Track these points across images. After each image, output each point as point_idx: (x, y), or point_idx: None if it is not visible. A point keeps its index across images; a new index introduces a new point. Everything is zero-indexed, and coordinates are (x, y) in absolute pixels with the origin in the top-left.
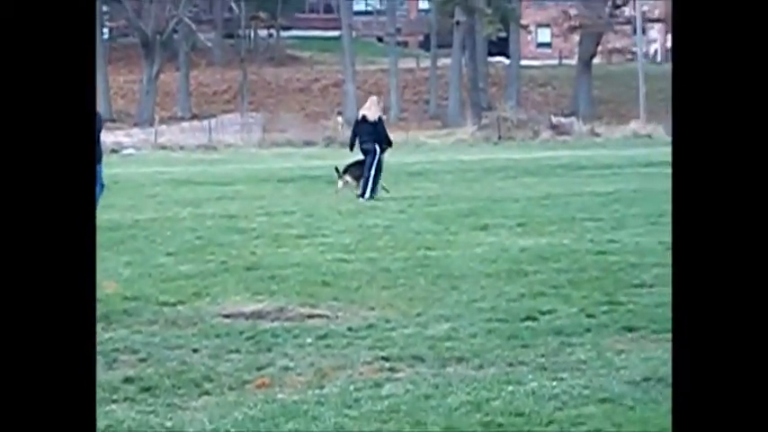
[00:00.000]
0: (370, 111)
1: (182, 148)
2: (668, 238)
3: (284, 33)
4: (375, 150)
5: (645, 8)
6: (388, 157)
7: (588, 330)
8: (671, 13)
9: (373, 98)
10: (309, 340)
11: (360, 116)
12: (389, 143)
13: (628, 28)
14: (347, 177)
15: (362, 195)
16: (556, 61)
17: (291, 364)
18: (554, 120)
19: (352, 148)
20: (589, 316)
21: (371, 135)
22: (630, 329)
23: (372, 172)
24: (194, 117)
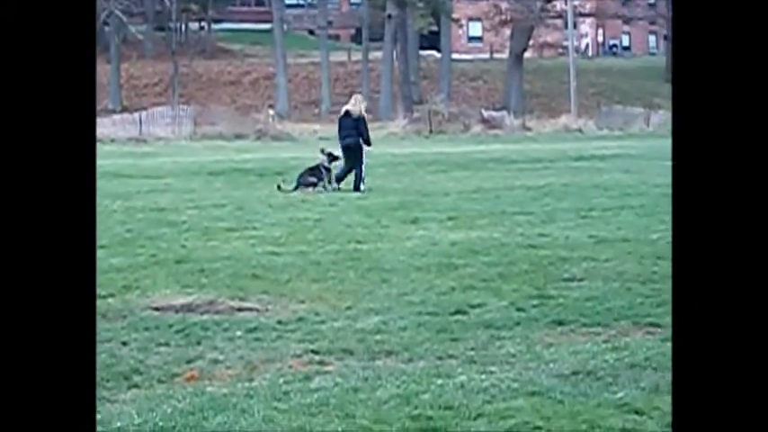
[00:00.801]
0: (354, 107)
1: (112, 140)
2: (598, 232)
3: (215, 26)
4: (358, 145)
5: (576, 2)
6: (314, 153)
7: (518, 324)
8: (670, 9)
9: (358, 96)
10: (239, 333)
11: (343, 111)
12: (369, 143)
13: (559, 22)
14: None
15: (357, 189)
16: (487, 55)
17: (221, 357)
18: (485, 114)
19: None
20: (519, 309)
21: (353, 130)
22: (560, 323)
23: (363, 166)
24: (125, 110)
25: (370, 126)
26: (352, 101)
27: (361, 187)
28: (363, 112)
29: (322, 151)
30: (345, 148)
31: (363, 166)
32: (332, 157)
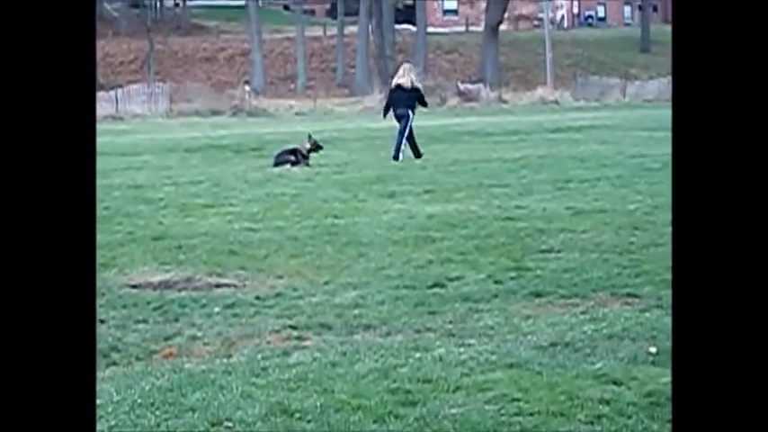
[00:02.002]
0: (404, 78)
1: None
2: (575, 203)
3: (190, 3)
4: (408, 116)
5: None
6: (291, 128)
7: (496, 296)
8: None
9: (406, 66)
10: (217, 309)
11: (394, 84)
12: (424, 104)
13: None
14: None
15: (396, 158)
16: (462, 28)
17: (199, 334)
18: (461, 87)
19: (385, 115)
20: (497, 282)
21: (405, 101)
22: (538, 295)
23: (404, 136)
24: (101, 87)
25: (345, 101)
26: (401, 72)
27: (399, 156)
28: (416, 83)
29: (310, 137)
30: (398, 119)
31: (405, 136)
32: (316, 146)
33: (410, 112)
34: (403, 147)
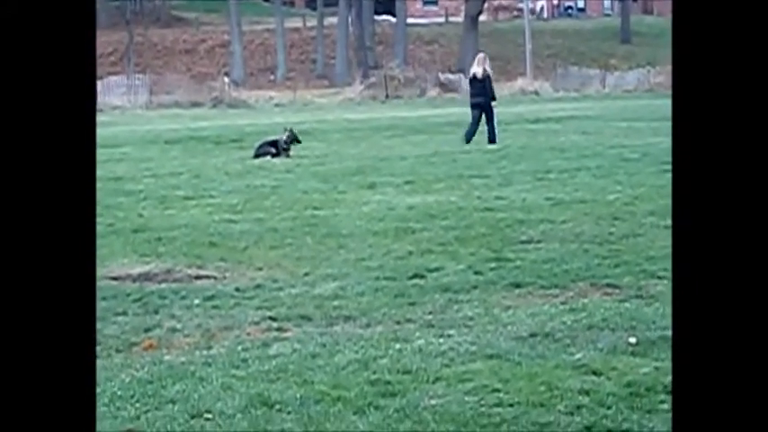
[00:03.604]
0: (479, 68)
1: None
2: (555, 194)
3: None
4: (487, 103)
5: None
6: (270, 120)
7: (475, 287)
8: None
9: (480, 56)
10: (197, 301)
11: (471, 74)
12: (493, 98)
13: None
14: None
15: (493, 141)
16: (442, 19)
17: (179, 326)
18: (441, 77)
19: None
20: (476, 273)
21: (481, 90)
22: (518, 285)
23: (495, 122)
24: None
25: (325, 92)
26: (475, 62)
27: (496, 140)
28: (488, 71)
29: (289, 130)
30: (475, 106)
31: (495, 122)
32: (293, 139)
33: (488, 100)
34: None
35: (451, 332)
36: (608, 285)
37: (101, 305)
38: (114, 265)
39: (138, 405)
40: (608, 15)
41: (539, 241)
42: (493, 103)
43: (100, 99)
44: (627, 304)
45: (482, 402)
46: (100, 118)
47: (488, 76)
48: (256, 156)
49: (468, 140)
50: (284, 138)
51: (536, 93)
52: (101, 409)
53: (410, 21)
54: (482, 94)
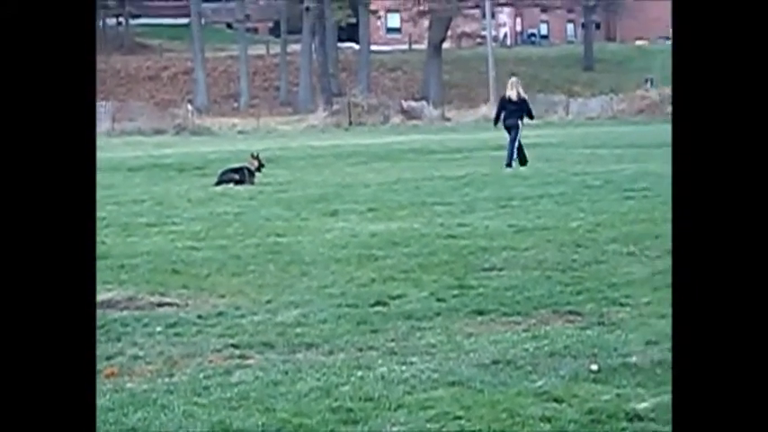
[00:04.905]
0: (513, 92)
1: None
2: (518, 221)
3: (133, 21)
4: (517, 125)
5: None
6: (234, 147)
7: (438, 314)
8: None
9: (512, 80)
10: (159, 329)
11: (506, 96)
12: (531, 117)
13: (477, 12)
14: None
15: (509, 165)
16: (406, 46)
17: (141, 353)
18: (405, 104)
19: (496, 123)
20: (439, 300)
21: (514, 113)
22: (480, 313)
23: (516, 144)
24: None
25: (289, 119)
26: (509, 85)
27: (512, 164)
28: (523, 94)
29: (256, 156)
30: (508, 128)
31: (515, 145)
32: (259, 165)
33: (519, 122)
34: (513, 154)
35: (414, 359)
36: (570, 312)
37: None
38: None
39: None
40: (571, 42)
41: (501, 268)
42: (525, 121)
43: None
44: (589, 331)
45: (444, 430)
46: None
47: (525, 99)
48: (218, 183)
49: (508, 164)
50: (255, 164)
51: None
52: None
53: (374, 48)
54: (514, 117)
